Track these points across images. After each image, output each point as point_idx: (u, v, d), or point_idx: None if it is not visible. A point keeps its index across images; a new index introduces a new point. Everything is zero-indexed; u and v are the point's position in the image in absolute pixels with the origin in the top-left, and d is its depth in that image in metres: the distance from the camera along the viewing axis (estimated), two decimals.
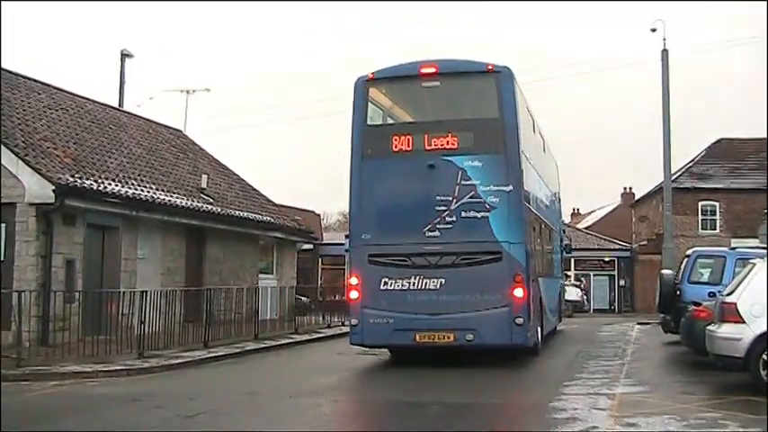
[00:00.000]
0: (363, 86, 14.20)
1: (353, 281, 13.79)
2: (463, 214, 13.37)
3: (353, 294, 13.74)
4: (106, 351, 13.96)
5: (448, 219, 13.40)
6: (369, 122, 14.24)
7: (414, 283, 13.37)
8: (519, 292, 13.11)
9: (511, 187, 13.41)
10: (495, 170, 13.48)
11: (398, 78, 14.67)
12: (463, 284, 13.17)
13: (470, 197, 13.37)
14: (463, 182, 13.40)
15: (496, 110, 13.81)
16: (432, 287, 13.28)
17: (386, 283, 13.46)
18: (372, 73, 14.38)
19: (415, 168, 13.72)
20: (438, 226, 13.41)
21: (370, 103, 14.33)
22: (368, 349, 14.93)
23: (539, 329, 15.11)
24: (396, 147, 13.92)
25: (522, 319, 13.08)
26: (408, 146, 13.90)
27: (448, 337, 13.19)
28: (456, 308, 13.10)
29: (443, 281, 13.26)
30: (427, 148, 13.77)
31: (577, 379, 11.97)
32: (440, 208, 13.42)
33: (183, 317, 17.26)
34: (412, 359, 14.18)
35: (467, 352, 13.81)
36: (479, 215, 13.35)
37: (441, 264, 13.32)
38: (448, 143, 13.74)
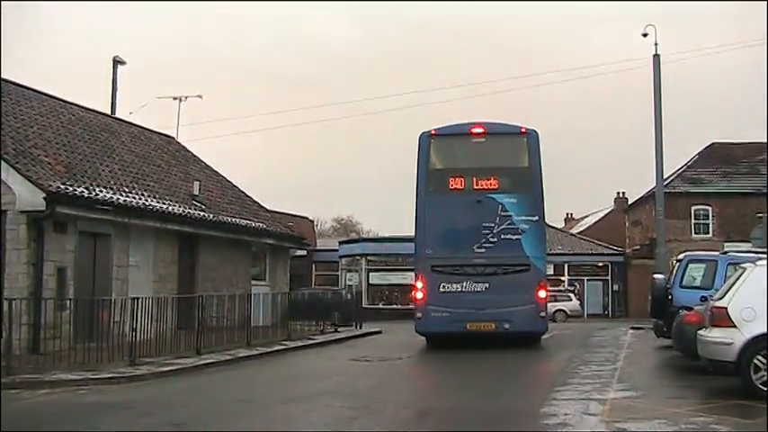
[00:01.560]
0: (427, 140, 18.84)
1: (419, 285, 18.39)
2: (502, 236, 18.10)
3: (419, 295, 18.36)
4: (97, 359, 13.89)
5: (491, 239, 18.12)
6: (431, 167, 18.80)
7: (465, 286, 18.01)
8: (542, 294, 18.20)
9: (537, 217, 18.41)
10: (525, 205, 18.30)
11: (454, 135, 19.36)
12: (502, 287, 17.79)
13: (507, 224, 18.16)
14: (502, 213, 18.17)
15: (526, 161, 18.78)
16: (478, 290, 17.94)
17: (444, 287, 18.06)
18: (434, 130, 18.99)
19: (466, 202, 18.38)
20: (484, 244, 18.12)
21: (431, 153, 18.83)
22: (359, 356, 16.00)
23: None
24: (452, 186, 18.74)
25: (544, 313, 18.36)
26: (461, 185, 18.74)
27: (490, 326, 17.77)
28: (497, 305, 17.61)
29: (487, 285, 17.92)
30: (475, 187, 18.57)
31: (569, 384, 11.96)
32: (485, 231, 18.13)
33: (174, 324, 17.23)
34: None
35: (466, 355, 13.80)
36: (514, 237, 18.11)
37: (485, 272, 18.00)
38: (491, 184, 18.58)
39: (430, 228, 18.54)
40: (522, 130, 18.90)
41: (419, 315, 18.34)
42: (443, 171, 19.09)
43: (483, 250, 18.10)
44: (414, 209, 18.88)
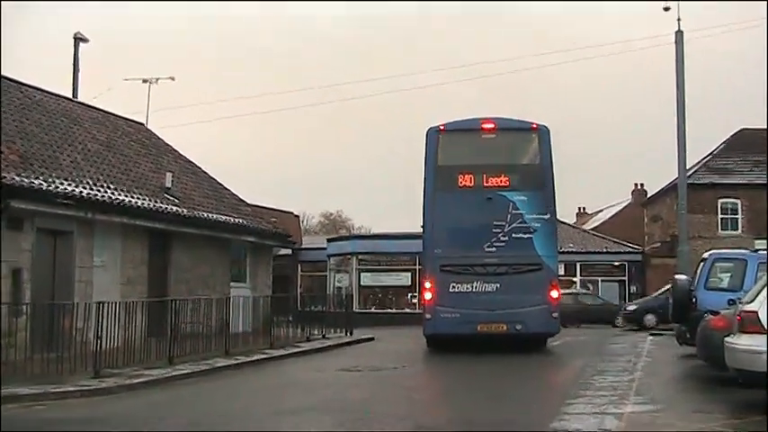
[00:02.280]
0: (435, 135, 19.74)
1: (427, 285, 19.38)
2: (513, 235, 19.04)
3: (428, 295, 19.34)
4: (58, 370, 13.81)
5: (502, 238, 19.02)
6: (439, 163, 19.63)
7: (476, 286, 18.93)
8: (554, 294, 19.20)
9: (548, 216, 19.38)
10: (537, 203, 19.26)
11: (464, 130, 20.27)
12: (513, 288, 18.73)
13: (519, 222, 19.09)
14: (513, 211, 19.11)
15: (538, 158, 19.85)
16: (489, 290, 18.87)
17: (454, 287, 18.97)
18: (443, 125, 19.90)
19: (476, 200, 19.32)
20: (494, 243, 19.02)
21: (440, 149, 19.69)
22: (350, 366, 16.08)
23: None
24: (461, 183, 19.60)
25: (556, 314, 19.15)
26: (471, 182, 19.61)
27: (502, 327, 18.68)
28: (508, 305, 18.56)
29: (498, 285, 18.85)
30: (485, 184, 19.49)
31: (582, 396, 11.94)
32: (496, 230, 19.04)
33: (145, 331, 17.13)
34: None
35: (468, 363, 13.75)
36: (525, 236, 19.06)
37: (496, 272, 18.92)
38: (501, 181, 19.56)
39: (438, 226, 19.51)
40: (534, 125, 19.94)
41: (428, 316, 19.23)
42: (452, 168, 19.88)
43: (494, 249, 19.03)
44: (421, 205, 19.98)
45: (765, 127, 34.12)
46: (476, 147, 20.58)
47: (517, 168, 20.28)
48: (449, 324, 18.85)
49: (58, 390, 12.58)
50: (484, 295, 18.87)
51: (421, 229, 20.72)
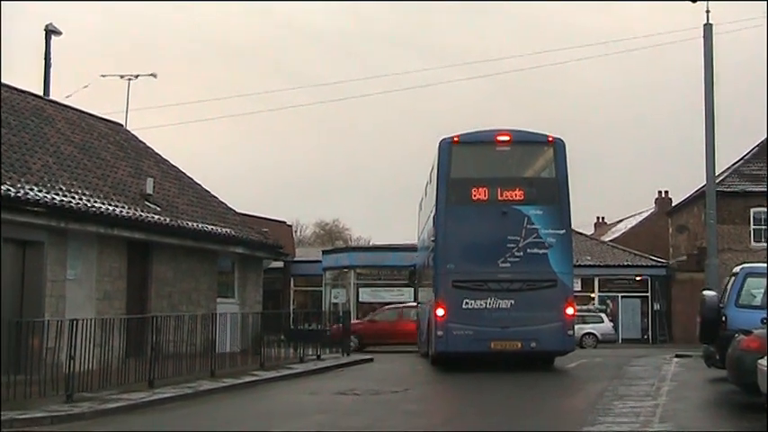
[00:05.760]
0: (448, 147, 20.47)
1: (440, 301, 19.88)
2: (528, 250, 19.72)
3: (440, 312, 19.80)
4: (26, 394, 13.74)
5: (516, 253, 19.70)
6: (452, 176, 20.36)
7: (489, 302, 19.59)
8: (570, 311, 19.86)
9: (564, 231, 20.16)
10: (552, 218, 20.06)
11: (478, 143, 21.10)
12: (528, 304, 19.51)
13: (534, 237, 19.79)
14: (528, 226, 19.78)
15: (554, 171, 20.56)
16: (503, 306, 19.56)
17: (467, 303, 19.63)
18: (457, 136, 20.58)
19: (490, 214, 20.07)
20: (509, 259, 19.72)
21: (453, 161, 20.42)
22: (347, 389, 16.20)
23: None
24: (475, 196, 20.34)
25: (571, 331, 20.12)
26: (485, 196, 20.35)
27: (516, 345, 19.48)
28: (522, 322, 19.34)
29: (513, 301, 19.57)
30: (500, 198, 20.22)
31: (601, 422, 11.90)
32: (510, 245, 19.73)
33: (123, 351, 17.12)
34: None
35: (476, 387, 13.69)
36: (540, 251, 19.78)
37: (511, 288, 19.68)
38: (516, 195, 20.27)
39: (451, 241, 20.22)
40: (550, 138, 20.71)
41: (440, 333, 19.83)
42: (466, 180, 20.75)
43: (508, 265, 19.76)
44: (430, 219, 21.00)
45: None
46: (490, 159, 21.56)
47: (532, 182, 21.08)
48: (462, 342, 19.44)
49: (25, 416, 12.50)
50: (497, 312, 19.48)
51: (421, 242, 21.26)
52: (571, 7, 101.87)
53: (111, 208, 20.12)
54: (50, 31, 29.46)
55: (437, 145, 20.77)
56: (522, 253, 19.73)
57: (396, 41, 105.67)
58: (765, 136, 43.35)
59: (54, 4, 75.91)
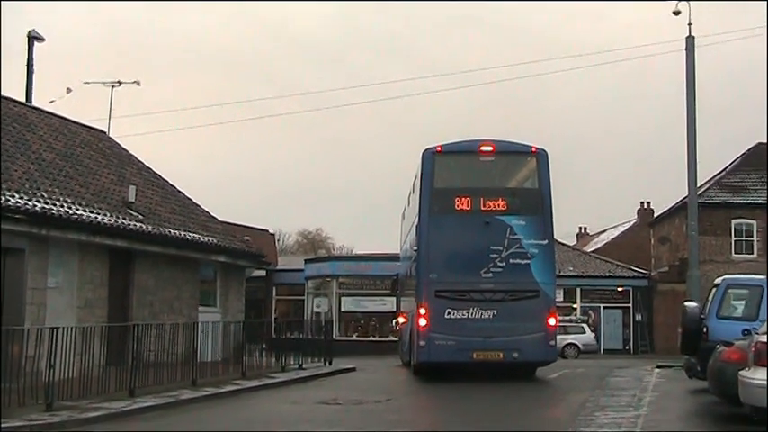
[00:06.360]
0: (432, 156, 20.58)
1: (422, 311, 19.89)
2: (511, 261, 19.83)
3: (422, 321, 19.84)
4: (5, 403, 13.63)
5: (499, 264, 19.80)
6: (435, 186, 20.47)
7: (472, 313, 19.67)
8: (552, 321, 20.04)
9: (546, 241, 20.24)
10: (535, 228, 20.14)
11: (461, 153, 21.33)
12: (510, 314, 19.58)
13: (516, 248, 19.88)
14: (511, 236, 19.90)
15: (536, 182, 20.66)
16: (486, 316, 19.63)
17: (449, 313, 19.67)
18: (440, 146, 20.77)
19: (473, 224, 20.16)
20: (492, 269, 19.80)
21: (436, 171, 20.57)
22: (329, 399, 16.15)
23: None
24: (458, 206, 20.41)
25: (553, 342, 20.25)
26: (468, 206, 20.43)
27: (498, 355, 19.59)
28: (505, 333, 19.42)
29: (495, 312, 19.63)
30: (483, 208, 20.32)
31: None
32: (493, 255, 19.81)
33: (103, 359, 17.01)
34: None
35: (459, 397, 13.69)
36: (523, 262, 19.88)
37: (493, 299, 19.73)
38: (499, 205, 20.38)
39: (434, 250, 20.28)
40: (533, 149, 20.84)
41: (422, 343, 19.85)
42: (449, 190, 20.88)
43: (491, 275, 19.84)
44: (413, 229, 21.20)
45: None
46: (473, 169, 21.70)
47: (515, 192, 21.32)
48: (444, 352, 19.50)
49: (4, 425, 12.39)
50: (480, 322, 19.56)
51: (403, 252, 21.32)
52: (555, 19, 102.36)
53: (93, 216, 20.05)
54: (33, 38, 29.39)
55: (420, 155, 20.88)
56: (504, 263, 19.82)
57: (382, 51, 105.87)
58: (747, 148, 43.84)
59: (37, 9, 75.70)
